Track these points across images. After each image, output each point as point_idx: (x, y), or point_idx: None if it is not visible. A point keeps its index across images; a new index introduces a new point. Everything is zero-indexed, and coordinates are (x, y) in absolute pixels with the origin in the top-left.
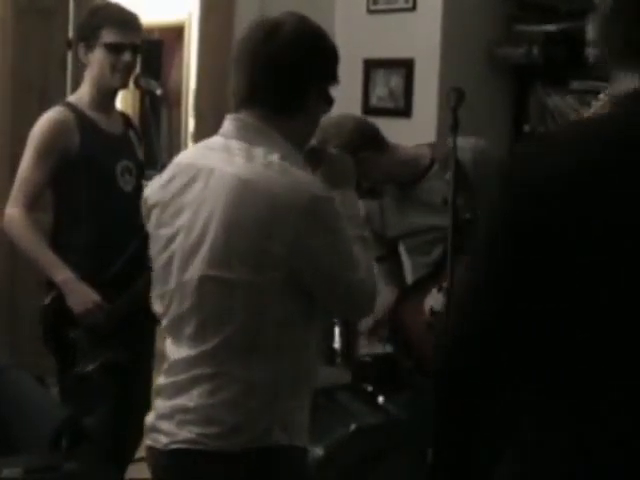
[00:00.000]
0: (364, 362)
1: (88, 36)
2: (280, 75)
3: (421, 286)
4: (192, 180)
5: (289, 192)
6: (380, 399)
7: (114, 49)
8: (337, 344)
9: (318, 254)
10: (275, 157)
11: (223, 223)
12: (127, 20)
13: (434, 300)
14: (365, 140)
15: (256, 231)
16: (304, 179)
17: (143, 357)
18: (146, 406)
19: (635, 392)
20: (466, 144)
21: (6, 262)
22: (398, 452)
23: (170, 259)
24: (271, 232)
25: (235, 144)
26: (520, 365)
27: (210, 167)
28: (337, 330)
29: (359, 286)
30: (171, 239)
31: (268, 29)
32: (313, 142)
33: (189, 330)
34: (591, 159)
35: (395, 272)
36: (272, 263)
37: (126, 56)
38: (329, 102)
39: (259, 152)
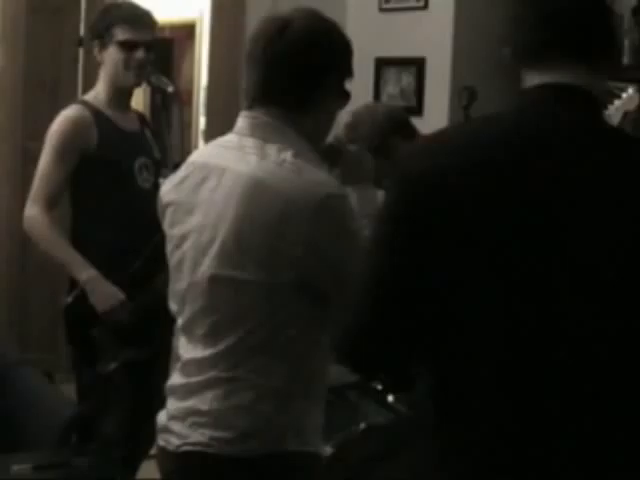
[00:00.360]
0: None
1: (101, 34)
2: (292, 72)
3: None
4: (205, 179)
5: (301, 191)
6: (390, 398)
7: (127, 47)
8: None
9: (331, 254)
10: (289, 154)
11: (234, 223)
12: (139, 17)
13: None
14: (396, 125)
15: (267, 230)
16: (317, 177)
17: (160, 356)
18: (161, 405)
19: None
20: None
21: (16, 261)
22: (408, 451)
23: (182, 259)
24: (282, 231)
25: (249, 142)
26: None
27: (222, 166)
28: None
29: None
30: (183, 238)
31: (279, 26)
32: (331, 139)
33: (202, 330)
34: (483, 156)
35: None
36: (283, 263)
37: (139, 53)
38: (345, 97)
39: (272, 150)
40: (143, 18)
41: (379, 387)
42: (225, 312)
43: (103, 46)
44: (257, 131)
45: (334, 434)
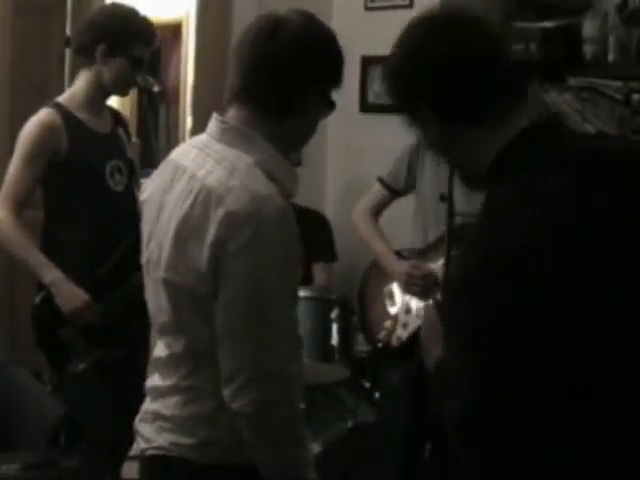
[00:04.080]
0: (361, 358)
1: (117, 41)
2: (278, 73)
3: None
4: (172, 179)
5: (243, 203)
6: (377, 395)
7: (138, 63)
8: (335, 341)
9: (235, 273)
10: (246, 162)
11: (178, 226)
12: (154, 34)
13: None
14: None
15: (203, 237)
16: (264, 191)
17: (139, 354)
18: (139, 405)
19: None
20: None
21: (4, 258)
22: (391, 450)
23: (149, 258)
24: (216, 241)
25: (215, 146)
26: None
27: (185, 166)
28: (334, 327)
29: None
30: (150, 238)
31: (272, 26)
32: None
33: (160, 330)
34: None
35: None
36: (210, 273)
37: (143, 68)
38: (329, 106)
39: (232, 155)
40: (155, 36)
41: (367, 385)
42: (170, 316)
43: (112, 52)
44: (224, 135)
45: (323, 432)
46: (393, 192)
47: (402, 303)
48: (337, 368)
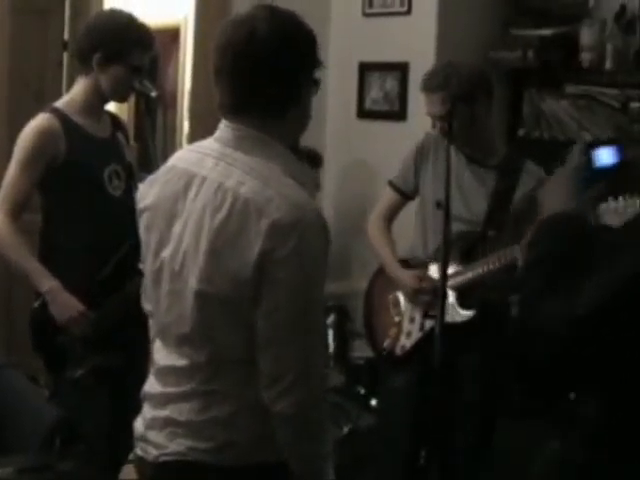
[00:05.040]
0: (357, 365)
1: (114, 50)
2: (268, 79)
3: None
4: (185, 187)
5: (283, 212)
6: (373, 401)
7: (137, 70)
8: (330, 347)
9: (286, 289)
10: (275, 170)
11: (212, 238)
12: (152, 43)
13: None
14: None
15: (239, 248)
16: (302, 198)
17: (138, 359)
18: (138, 410)
19: None
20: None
21: (2, 262)
22: (392, 454)
23: (161, 266)
24: (258, 250)
25: (234, 154)
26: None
27: (203, 175)
28: (330, 333)
29: (311, 349)
30: (161, 246)
31: (245, 32)
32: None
33: (174, 340)
34: None
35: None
36: (251, 282)
37: (142, 75)
38: (317, 85)
39: (257, 164)
40: (153, 42)
41: (362, 391)
42: (196, 326)
43: (108, 60)
44: (242, 144)
45: None
46: (404, 195)
47: (407, 311)
48: (331, 374)
